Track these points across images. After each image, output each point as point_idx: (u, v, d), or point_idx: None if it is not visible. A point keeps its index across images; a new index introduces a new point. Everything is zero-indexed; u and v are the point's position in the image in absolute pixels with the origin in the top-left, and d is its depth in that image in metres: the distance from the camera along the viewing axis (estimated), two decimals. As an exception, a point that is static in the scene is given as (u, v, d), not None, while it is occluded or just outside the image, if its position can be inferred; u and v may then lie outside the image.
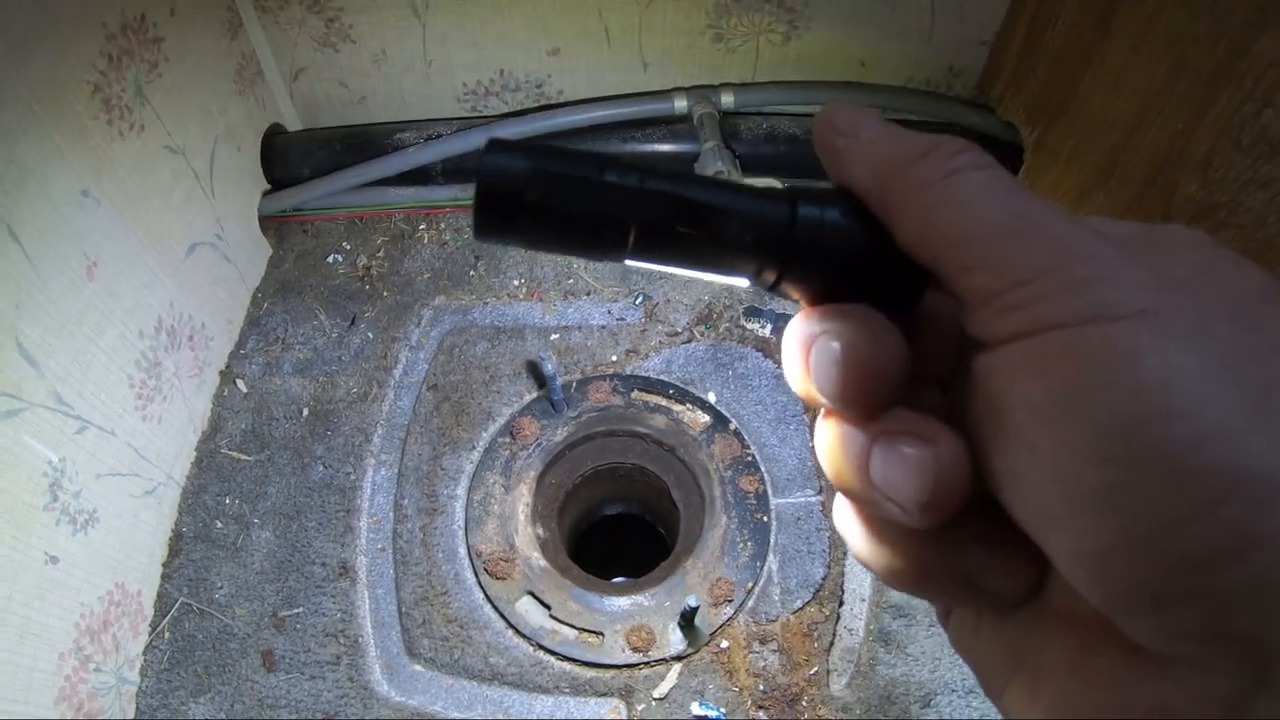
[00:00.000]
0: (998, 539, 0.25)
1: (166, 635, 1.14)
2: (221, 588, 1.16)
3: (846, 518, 0.28)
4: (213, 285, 1.30)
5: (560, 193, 0.26)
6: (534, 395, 1.25)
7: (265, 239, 1.42)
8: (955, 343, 0.29)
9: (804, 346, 0.26)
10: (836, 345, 0.25)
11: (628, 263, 0.28)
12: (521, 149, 0.26)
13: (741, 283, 0.28)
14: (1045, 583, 0.26)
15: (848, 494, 0.27)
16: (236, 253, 1.35)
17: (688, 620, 1.05)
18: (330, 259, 1.39)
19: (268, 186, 1.45)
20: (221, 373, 1.30)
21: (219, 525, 1.20)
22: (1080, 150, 1.25)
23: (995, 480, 0.24)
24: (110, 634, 1.08)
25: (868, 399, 0.25)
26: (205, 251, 1.28)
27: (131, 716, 1.09)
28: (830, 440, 0.27)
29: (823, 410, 0.27)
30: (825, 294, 0.27)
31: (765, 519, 1.16)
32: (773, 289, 0.28)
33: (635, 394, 1.25)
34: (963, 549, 0.26)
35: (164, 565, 1.18)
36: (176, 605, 1.15)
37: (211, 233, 1.30)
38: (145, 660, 1.13)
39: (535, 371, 1.27)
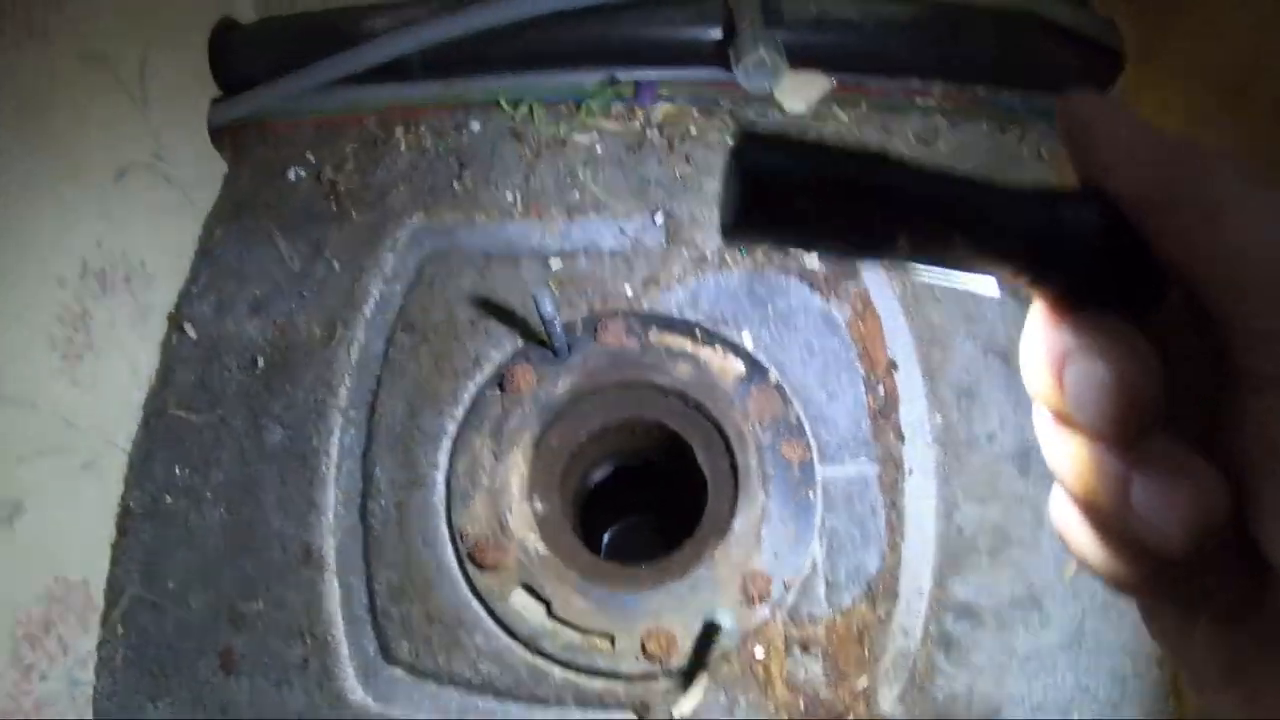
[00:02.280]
0: (1229, 553, 0.26)
1: (119, 630, 0.99)
2: (174, 575, 1.00)
3: (1077, 528, 0.28)
4: (153, 214, 1.09)
5: (834, 200, 0.24)
6: (530, 338, 1.03)
7: (219, 155, 1.20)
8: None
9: (1056, 361, 0.26)
10: (1105, 372, 0.25)
11: (885, 264, 0.27)
12: (782, 146, 0.24)
13: (989, 286, 0.28)
14: (1266, 603, 0.26)
15: (1093, 512, 0.28)
16: (182, 173, 1.13)
17: (708, 637, 0.85)
18: (292, 175, 1.17)
19: (218, 92, 1.21)
20: (170, 316, 1.10)
21: (168, 500, 1.02)
22: (1200, 59, 1.00)
23: (1259, 516, 0.25)
24: (54, 635, 0.93)
25: (1132, 427, 0.25)
26: (140, 175, 1.07)
27: (89, 720, 0.97)
28: (1082, 460, 0.27)
29: (1055, 417, 0.27)
30: (1071, 295, 0.27)
31: (810, 495, 0.94)
32: (1021, 288, 0.27)
33: (654, 335, 1.03)
34: (1199, 564, 0.26)
35: (113, 547, 1.02)
36: (126, 595, 1.00)
37: (148, 152, 1.08)
38: (100, 656, 0.98)
39: (511, 319, 1.04)
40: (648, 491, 1.18)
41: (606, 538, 1.18)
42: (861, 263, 0.28)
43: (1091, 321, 0.26)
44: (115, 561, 1.01)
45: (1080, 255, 0.26)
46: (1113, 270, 0.26)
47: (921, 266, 0.26)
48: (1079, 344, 0.25)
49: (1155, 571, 0.27)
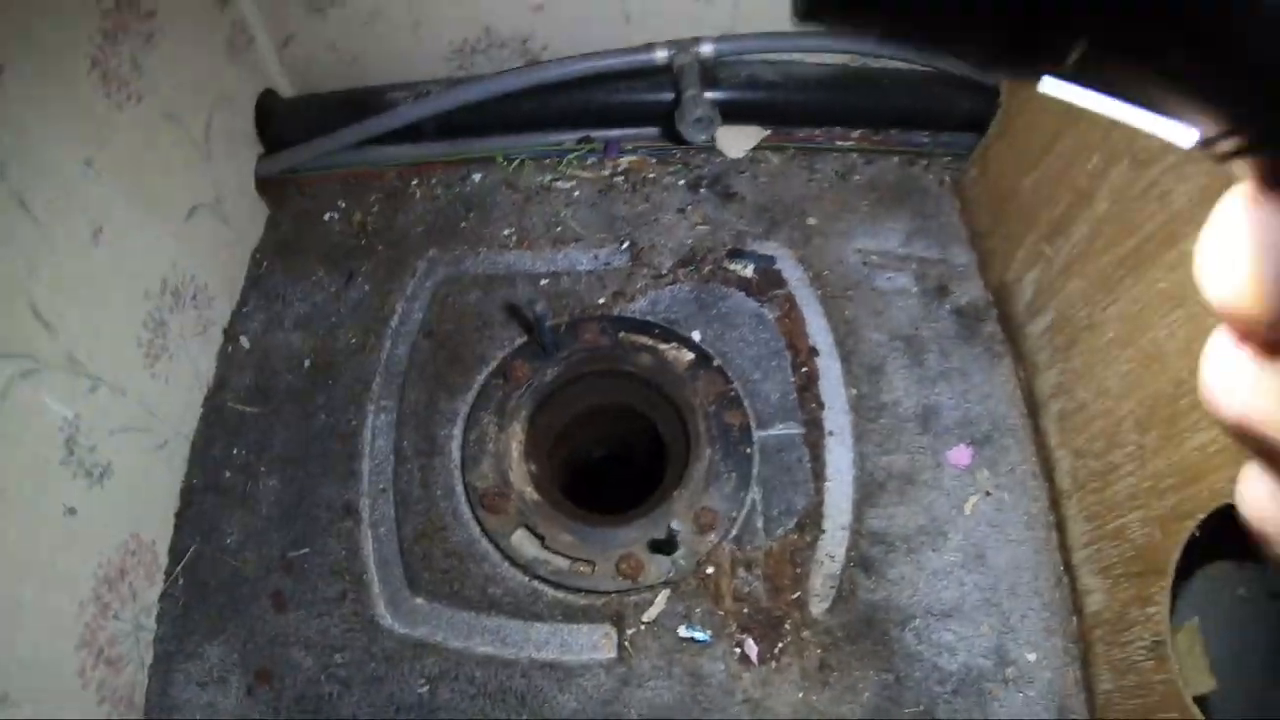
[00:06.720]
0: None
1: (181, 582, 1.19)
2: (232, 534, 1.22)
3: None
4: (213, 247, 1.34)
5: None
6: (525, 339, 1.29)
7: (262, 201, 1.47)
8: None
9: (1272, 255, 0.19)
10: None
11: (1045, 84, 0.19)
12: None
13: (1184, 136, 0.20)
14: None
15: None
16: (234, 215, 1.40)
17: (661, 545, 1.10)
18: (327, 217, 1.44)
19: (262, 150, 1.49)
20: (225, 330, 1.36)
21: (227, 475, 1.25)
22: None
23: None
24: (127, 582, 1.12)
25: None
26: (204, 214, 1.32)
27: (150, 662, 1.14)
28: None
29: (1254, 339, 0.20)
30: None
31: (749, 451, 1.20)
32: (1227, 158, 0.19)
33: (622, 335, 1.29)
34: None
35: (177, 516, 1.23)
36: (190, 551, 1.21)
37: (210, 196, 1.34)
38: (161, 607, 1.18)
39: (519, 316, 1.31)
40: (622, 463, 1.44)
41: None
42: (1012, 75, 0.19)
43: None
44: (178, 528, 1.23)
45: None
46: None
47: (1103, 99, 0.19)
48: None
49: None
